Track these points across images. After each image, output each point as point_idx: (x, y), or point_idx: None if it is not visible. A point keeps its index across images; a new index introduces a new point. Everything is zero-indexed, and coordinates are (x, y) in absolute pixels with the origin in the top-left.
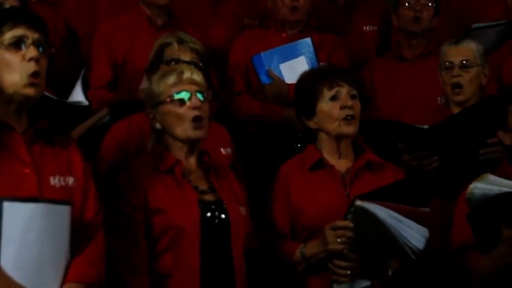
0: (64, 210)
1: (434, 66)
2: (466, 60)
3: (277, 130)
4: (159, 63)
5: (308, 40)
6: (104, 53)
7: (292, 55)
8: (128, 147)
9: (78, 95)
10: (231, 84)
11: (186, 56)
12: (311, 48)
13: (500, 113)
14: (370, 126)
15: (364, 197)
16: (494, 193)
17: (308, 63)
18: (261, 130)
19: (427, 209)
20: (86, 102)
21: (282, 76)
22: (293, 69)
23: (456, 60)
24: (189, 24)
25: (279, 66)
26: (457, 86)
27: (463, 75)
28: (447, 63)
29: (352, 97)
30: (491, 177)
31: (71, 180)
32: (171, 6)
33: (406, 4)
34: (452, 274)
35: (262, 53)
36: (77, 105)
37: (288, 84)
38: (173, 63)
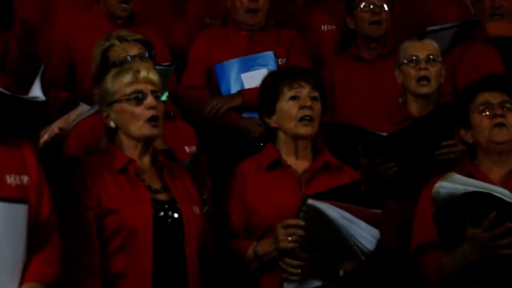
0: (21, 209)
1: (392, 67)
2: (431, 55)
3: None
4: (108, 68)
5: (271, 53)
6: (59, 52)
7: (255, 66)
8: (92, 146)
9: (35, 91)
10: (189, 78)
11: (133, 50)
12: (274, 61)
13: (462, 111)
14: (330, 129)
15: (317, 196)
16: (460, 192)
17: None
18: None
19: (379, 211)
20: (42, 98)
21: (243, 85)
22: (254, 79)
23: (422, 54)
24: (150, 22)
25: (240, 76)
26: (425, 79)
27: (429, 69)
28: (412, 57)
29: (313, 99)
30: (457, 176)
31: (25, 179)
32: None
33: (362, 6)
34: (409, 274)
35: (225, 62)
36: (32, 101)
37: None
38: (126, 62)
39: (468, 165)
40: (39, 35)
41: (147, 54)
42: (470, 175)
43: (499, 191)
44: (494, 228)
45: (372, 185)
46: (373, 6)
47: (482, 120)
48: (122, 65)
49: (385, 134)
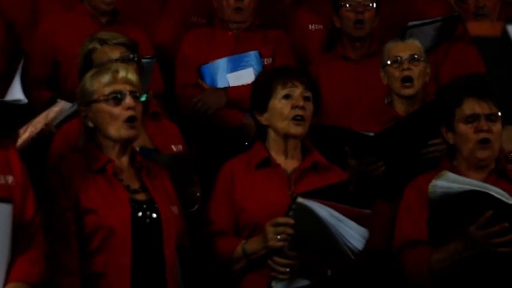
0: (6, 209)
1: (378, 67)
2: (414, 55)
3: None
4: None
5: (256, 52)
6: (43, 51)
7: (240, 66)
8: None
9: (16, 92)
10: (185, 76)
11: (115, 54)
12: (259, 61)
13: (448, 113)
14: (318, 131)
15: (306, 195)
16: (455, 191)
17: (256, 75)
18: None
19: (369, 210)
20: (24, 100)
21: (229, 85)
22: (239, 79)
23: (405, 54)
24: (134, 21)
25: (226, 76)
26: (408, 79)
27: (412, 69)
28: (396, 58)
29: (305, 99)
30: (451, 175)
31: (10, 178)
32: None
33: (347, 5)
34: (399, 274)
35: (210, 63)
36: (14, 104)
37: (228, 87)
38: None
39: (448, 167)
40: (26, 34)
41: (131, 56)
42: None
43: (495, 191)
44: (488, 226)
45: (360, 185)
46: (357, 6)
47: (468, 131)
48: None
49: (371, 134)
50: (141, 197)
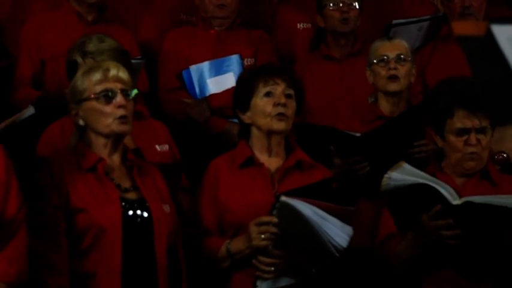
0: None
1: (362, 66)
2: (401, 55)
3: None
4: None
5: (237, 56)
6: (29, 50)
7: (221, 71)
8: (63, 149)
9: None
10: (170, 79)
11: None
12: (240, 65)
13: (437, 119)
14: (303, 130)
15: (290, 194)
16: (409, 183)
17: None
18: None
19: (352, 208)
20: None
21: (208, 90)
22: (220, 85)
23: (392, 54)
24: (121, 19)
25: (206, 81)
26: (394, 78)
27: (399, 69)
28: (383, 57)
29: (287, 96)
30: (406, 167)
31: None
32: (101, 2)
33: (331, 5)
34: (383, 272)
35: (191, 68)
36: None
37: (210, 95)
38: None
39: (433, 167)
40: (11, 32)
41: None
42: (433, 175)
43: (445, 188)
44: (439, 218)
45: (344, 184)
46: (342, 5)
47: (457, 144)
48: None
49: (358, 134)
50: (132, 195)
